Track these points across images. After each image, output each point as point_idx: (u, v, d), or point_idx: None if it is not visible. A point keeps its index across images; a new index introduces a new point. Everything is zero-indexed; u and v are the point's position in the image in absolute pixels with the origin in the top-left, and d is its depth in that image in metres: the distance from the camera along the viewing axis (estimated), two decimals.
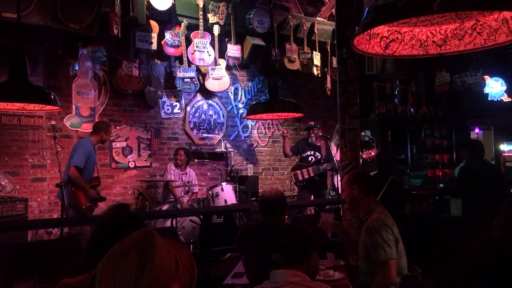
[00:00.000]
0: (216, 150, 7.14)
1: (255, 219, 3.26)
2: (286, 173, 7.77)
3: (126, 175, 6.01)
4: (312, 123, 6.77)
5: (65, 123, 5.95)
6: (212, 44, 6.43)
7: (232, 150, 7.29)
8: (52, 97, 3.33)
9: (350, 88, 4.16)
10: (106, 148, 6.27)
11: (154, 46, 6.12)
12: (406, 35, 1.96)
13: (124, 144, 6.41)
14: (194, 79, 6.40)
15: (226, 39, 6.71)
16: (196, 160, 6.95)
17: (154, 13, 5.92)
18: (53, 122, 5.19)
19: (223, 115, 7.31)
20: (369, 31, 1.85)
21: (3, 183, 5.27)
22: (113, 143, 6.33)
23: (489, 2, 1.56)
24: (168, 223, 5.27)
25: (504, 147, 10.80)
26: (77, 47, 5.88)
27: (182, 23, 6.25)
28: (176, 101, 6.86)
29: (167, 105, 6.79)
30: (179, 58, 6.41)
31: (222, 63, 6.66)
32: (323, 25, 7.68)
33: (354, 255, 3.59)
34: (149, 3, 5.73)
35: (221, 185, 6.01)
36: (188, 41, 6.33)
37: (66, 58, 5.92)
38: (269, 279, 1.85)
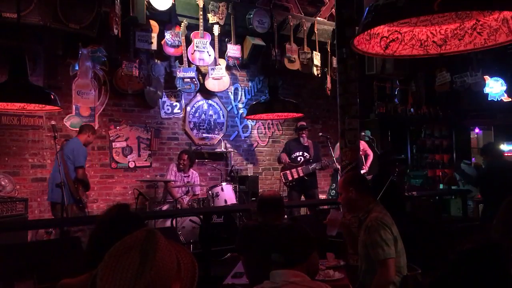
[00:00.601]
0: (216, 150, 7.14)
1: (255, 219, 3.26)
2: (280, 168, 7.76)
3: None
4: (304, 123, 6.77)
5: (65, 123, 5.95)
6: (212, 44, 6.43)
7: (232, 150, 7.29)
8: (52, 97, 3.33)
9: (350, 88, 4.16)
10: (106, 148, 6.28)
11: (154, 46, 6.12)
12: (406, 35, 1.96)
13: (124, 144, 6.41)
14: (194, 79, 6.40)
15: (226, 39, 6.71)
16: (196, 160, 6.95)
17: (154, 13, 5.92)
18: (53, 122, 5.19)
19: (223, 115, 7.31)
20: (369, 31, 1.85)
21: (3, 183, 5.27)
22: (113, 143, 6.33)
23: (489, 2, 1.56)
24: (168, 223, 5.27)
25: (504, 147, 10.80)
26: (77, 47, 5.87)
27: (182, 23, 6.25)
28: (176, 101, 6.86)
29: (167, 105, 6.79)
30: (179, 58, 6.41)
31: (222, 63, 6.66)
32: (323, 25, 7.68)
33: (354, 255, 3.59)
34: (149, 3, 5.73)
35: (221, 185, 6.01)
36: (188, 41, 6.33)
37: (66, 58, 5.92)
38: (269, 279, 1.85)
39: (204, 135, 7.10)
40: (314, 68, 7.44)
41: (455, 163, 9.34)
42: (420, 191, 6.43)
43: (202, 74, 6.74)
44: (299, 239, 1.92)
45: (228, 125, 7.37)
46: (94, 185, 5.99)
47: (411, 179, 7.67)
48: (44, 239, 5.03)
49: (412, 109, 9.09)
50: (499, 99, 8.78)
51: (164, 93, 6.65)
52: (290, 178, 6.42)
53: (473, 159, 10.08)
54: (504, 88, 8.70)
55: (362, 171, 5.90)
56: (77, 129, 6.02)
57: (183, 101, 6.93)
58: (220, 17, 6.43)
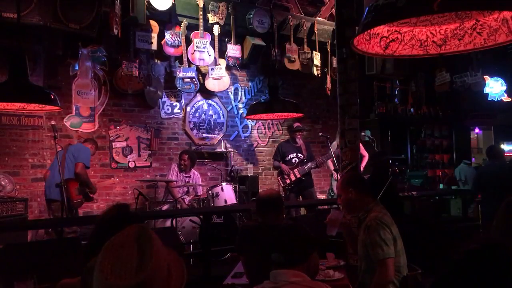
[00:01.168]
0: (216, 150, 7.14)
1: (255, 219, 3.25)
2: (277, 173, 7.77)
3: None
4: (299, 124, 6.78)
5: (65, 123, 5.95)
6: (212, 44, 6.43)
7: (232, 150, 7.29)
8: (52, 97, 3.33)
9: (350, 88, 4.15)
10: (106, 148, 6.28)
11: (154, 46, 6.12)
12: (406, 35, 1.96)
13: (124, 144, 6.41)
14: (194, 79, 6.40)
15: (226, 39, 6.71)
16: (196, 160, 6.95)
17: (154, 13, 5.92)
18: (53, 122, 5.18)
19: (223, 115, 7.31)
20: (369, 31, 1.85)
21: (3, 183, 5.27)
22: (113, 143, 6.33)
23: (489, 2, 1.56)
24: (168, 223, 5.27)
25: (504, 147, 10.81)
26: (77, 47, 5.88)
27: (182, 23, 6.25)
28: (176, 101, 6.86)
29: (167, 105, 6.79)
30: (179, 58, 6.41)
31: (222, 63, 6.66)
32: (323, 25, 7.68)
33: (354, 255, 3.59)
34: (149, 3, 5.73)
35: (221, 185, 6.01)
36: (188, 41, 6.33)
37: (66, 58, 5.92)
38: (269, 279, 1.85)
39: (204, 135, 7.10)
40: (314, 68, 7.44)
41: (455, 163, 9.34)
42: (420, 191, 6.42)
43: (202, 74, 6.74)
44: (299, 239, 1.92)
45: (228, 125, 7.37)
46: (94, 185, 5.98)
47: (411, 179, 7.67)
48: (44, 239, 5.03)
49: (412, 109, 9.09)
50: (499, 99, 8.79)
51: (164, 93, 6.65)
52: (288, 182, 6.45)
53: (473, 159, 10.09)
54: (504, 88, 8.70)
55: None
56: (77, 129, 6.04)
57: (183, 101, 6.93)
58: (220, 17, 6.44)
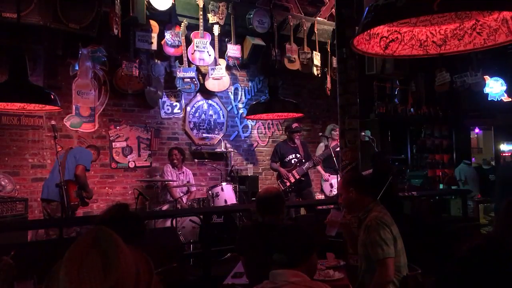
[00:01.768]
0: (216, 150, 7.14)
1: (255, 218, 3.25)
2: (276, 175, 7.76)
3: None
4: (298, 125, 6.78)
5: (65, 123, 5.95)
6: (212, 44, 6.43)
7: (232, 150, 7.29)
8: (52, 97, 3.33)
9: (350, 88, 4.16)
10: (106, 148, 6.27)
11: (154, 46, 6.12)
12: (406, 35, 1.96)
13: (124, 144, 6.41)
14: (194, 79, 6.40)
15: (226, 39, 6.71)
16: (196, 160, 6.95)
17: (154, 13, 5.92)
18: (53, 122, 5.18)
19: (223, 115, 7.31)
20: (369, 31, 1.85)
21: (3, 183, 5.27)
22: (113, 143, 6.33)
23: (489, 2, 1.56)
24: (168, 223, 5.27)
25: (504, 147, 10.81)
26: (77, 47, 5.87)
27: (182, 23, 6.25)
28: (176, 101, 6.86)
29: (167, 105, 6.79)
30: (179, 58, 6.41)
31: (222, 63, 6.66)
32: (323, 25, 7.68)
33: (354, 255, 3.59)
34: (149, 3, 5.73)
35: (221, 185, 6.01)
36: (188, 41, 6.33)
37: (66, 58, 5.92)
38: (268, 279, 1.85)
39: (204, 135, 7.10)
40: (314, 68, 7.44)
41: (455, 163, 9.35)
42: (420, 191, 6.42)
43: (202, 74, 6.74)
44: (301, 239, 1.92)
45: (228, 125, 7.37)
46: (94, 185, 5.99)
47: (411, 179, 7.67)
48: (44, 239, 5.03)
49: (412, 109, 9.08)
50: (499, 99, 8.79)
51: (164, 93, 6.65)
52: (288, 184, 6.45)
53: (473, 159, 10.09)
54: (504, 88, 8.70)
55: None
56: (77, 129, 6.05)
57: (183, 101, 6.93)
58: (220, 17, 6.44)
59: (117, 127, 6.37)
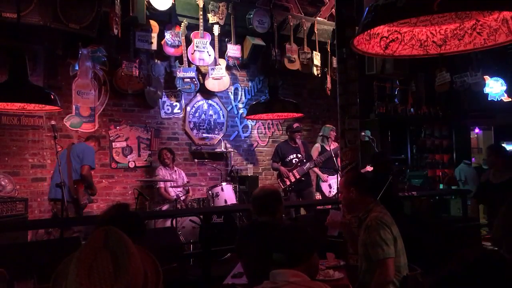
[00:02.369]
0: (216, 150, 7.14)
1: (255, 218, 3.23)
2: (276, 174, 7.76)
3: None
4: (299, 125, 6.77)
5: (65, 123, 5.95)
6: (212, 44, 6.43)
7: (232, 150, 7.28)
8: (52, 97, 3.33)
9: (350, 88, 4.15)
10: (106, 148, 6.27)
11: (154, 46, 6.12)
12: (406, 35, 1.96)
13: (124, 144, 6.41)
14: (194, 79, 6.40)
15: (226, 39, 6.71)
16: (196, 160, 6.95)
17: (154, 13, 5.92)
18: (53, 122, 5.18)
19: (223, 115, 7.31)
20: (369, 31, 1.85)
21: (3, 183, 5.27)
22: (113, 143, 6.33)
23: (489, 2, 1.56)
24: (168, 223, 5.27)
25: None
26: (77, 47, 5.87)
27: (182, 23, 6.25)
28: (176, 101, 6.86)
29: (167, 105, 6.79)
30: (179, 58, 6.41)
31: (222, 63, 6.66)
32: (323, 25, 7.67)
33: (354, 255, 3.59)
34: (149, 3, 5.73)
35: (221, 185, 6.01)
36: (188, 41, 6.33)
37: (66, 58, 5.92)
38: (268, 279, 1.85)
39: (204, 135, 7.10)
40: (314, 68, 7.44)
41: (455, 163, 9.34)
42: (420, 191, 6.42)
43: (202, 74, 6.74)
44: (301, 239, 1.92)
45: (228, 125, 7.37)
46: (94, 185, 5.98)
47: (411, 179, 7.67)
48: (44, 239, 5.03)
49: (412, 109, 9.08)
50: (499, 99, 8.78)
51: (164, 93, 6.65)
52: (288, 183, 6.46)
53: (473, 159, 10.09)
54: (504, 88, 8.70)
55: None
56: (77, 129, 6.05)
57: (183, 101, 6.93)
58: (220, 17, 6.43)
59: (117, 127, 6.37)
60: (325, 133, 6.73)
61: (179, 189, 6.12)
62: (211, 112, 7.19)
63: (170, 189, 6.10)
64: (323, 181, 6.73)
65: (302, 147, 6.60)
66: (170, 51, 6.30)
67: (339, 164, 4.77)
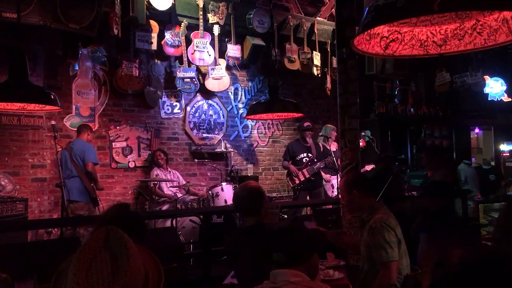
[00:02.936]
0: (216, 150, 7.14)
1: (241, 224, 3.18)
2: (286, 173, 7.76)
3: None
4: (309, 124, 6.76)
5: (65, 123, 5.95)
6: (212, 44, 6.43)
7: (232, 150, 7.28)
8: (52, 97, 3.33)
9: (350, 88, 4.15)
10: (106, 148, 6.28)
11: (154, 46, 6.12)
12: (406, 35, 1.96)
13: (124, 144, 6.41)
14: (194, 79, 6.40)
15: (226, 39, 6.71)
16: (196, 160, 6.95)
17: (154, 13, 5.92)
18: (53, 122, 5.20)
19: (223, 115, 7.31)
20: (369, 31, 1.85)
21: (3, 183, 5.27)
22: (113, 143, 6.33)
23: (489, 2, 1.56)
24: (168, 223, 5.27)
25: (504, 147, 10.81)
26: (77, 47, 5.88)
27: (182, 23, 6.25)
28: (176, 101, 6.86)
29: (167, 105, 6.79)
30: (179, 58, 6.41)
31: (222, 63, 6.66)
32: (323, 25, 7.67)
33: (354, 255, 3.59)
34: (149, 3, 5.73)
35: (221, 185, 6.01)
36: (188, 41, 6.33)
37: (66, 58, 5.92)
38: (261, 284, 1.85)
39: (204, 135, 7.10)
40: (314, 68, 7.44)
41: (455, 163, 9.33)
42: (420, 191, 6.40)
43: (202, 74, 6.74)
44: (301, 238, 1.92)
45: (228, 125, 7.37)
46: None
47: (411, 179, 7.66)
48: (44, 239, 5.04)
49: (412, 109, 9.08)
50: (499, 99, 8.79)
51: (164, 93, 6.65)
52: (297, 182, 6.45)
53: (473, 159, 10.09)
54: (504, 88, 8.70)
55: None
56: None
57: (183, 101, 6.93)
58: (220, 17, 6.43)
59: (117, 127, 6.37)
60: (326, 133, 6.73)
61: (175, 189, 6.12)
62: (211, 112, 7.19)
63: (166, 190, 6.09)
64: (326, 181, 6.72)
65: (314, 146, 6.57)
66: (170, 51, 6.30)
67: (339, 164, 4.78)
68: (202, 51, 6.36)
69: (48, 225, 5.06)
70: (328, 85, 7.64)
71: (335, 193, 6.48)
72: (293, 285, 1.76)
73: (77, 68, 5.98)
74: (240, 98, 7.53)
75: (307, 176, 6.42)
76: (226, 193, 5.89)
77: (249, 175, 7.16)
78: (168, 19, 6.21)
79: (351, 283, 2.89)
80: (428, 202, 4.54)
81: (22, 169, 5.65)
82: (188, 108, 6.97)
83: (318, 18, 7.71)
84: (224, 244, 2.83)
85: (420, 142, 8.70)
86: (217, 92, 7.00)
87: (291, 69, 7.23)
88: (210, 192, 5.97)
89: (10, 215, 4.74)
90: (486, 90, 8.71)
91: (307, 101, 8.10)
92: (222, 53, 6.61)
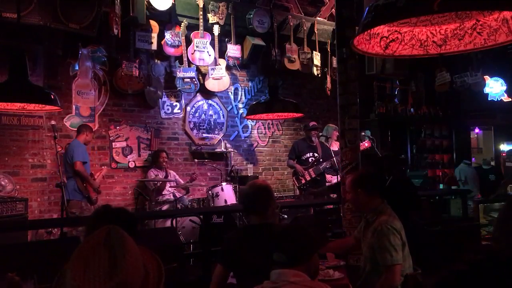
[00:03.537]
0: (216, 150, 7.13)
1: (245, 223, 3.15)
2: (286, 173, 7.77)
3: None
4: (315, 123, 6.76)
5: (65, 123, 5.95)
6: (212, 44, 6.43)
7: (232, 150, 7.28)
8: (52, 97, 3.33)
9: (350, 88, 4.15)
10: (106, 148, 6.28)
11: (154, 46, 6.12)
12: (406, 35, 1.96)
13: (124, 144, 6.41)
14: (194, 79, 6.40)
15: (226, 39, 6.71)
16: (196, 160, 6.95)
17: (154, 13, 5.92)
18: (53, 122, 5.19)
19: (223, 115, 7.31)
20: (369, 31, 1.85)
21: (3, 183, 5.27)
22: (113, 143, 6.33)
23: (489, 2, 1.56)
24: (168, 223, 5.27)
25: (504, 147, 10.81)
26: (77, 47, 5.87)
27: (182, 23, 6.25)
28: (176, 101, 6.86)
29: (167, 105, 6.79)
30: (179, 58, 6.41)
31: (222, 63, 6.66)
32: (323, 25, 7.67)
33: (354, 255, 3.59)
34: (149, 3, 5.73)
35: (221, 185, 6.01)
36: (188, 41, 6.33)
37: (66, 58, 5.92)
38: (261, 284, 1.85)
39: (204, 135, 7.10)
40: (314, 68, 7.44)
41: (455, 163, 9.35)
42: (420, 191, 6.41)
43: (202, 74, 6.74)
44: (302, 238, 1.92)
45: (228, 125, 7.37)
46: (94, 180, 5.98)
47: (411, 179, 7.66)
48: (44, 239, 5.03)
49: (412, 109, 9.08)
50: (499, 99, 8.79)
51: (164, 93, 6.65)
52: (303, 182, 6.43)
53: (473, 159, 10.09)
54: (504, 88, 8.70)
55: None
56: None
57: (183, 101, 6.93)
58: (220, 17, 6.43)
59: (117, 127, 6.37)
60: (328, 133, 6.72)
61: (173, 189, 6.12)
62: (211, 112, 7.19)
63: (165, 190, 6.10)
64: (327, 182, 6.73)
65: (319, 146, 6.55)
66: (170, 51, 6.30)
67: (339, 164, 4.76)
68: (202, 51, 6.36)
69: (48, 225, 5.05)
70: (328, 85, 7.64)
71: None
72: (294, 285, 1.76)
73: (77, 68, 5.98)
74: (240, 98, 7.53)
75: (313, 175, 6.40)
76: (226, 193, 5.89)
77: (249, 175, 7.16)
78: (168, 19, 6.21)
79: (351, 283, 2.89)
80: None
81: (22, 169, 5.64)
82: (188, 108, 6.97)
83: (318, 18, 7.71)
84: (223, 242, 2.73)
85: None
86: (217, 92, 7.00)
87: (291, 69, 7.23)
88: (210, 192, 5.97)
89: (10, 215, 4.73)
90: (486, 90, 8.71)
91: (307, 101, 8.10)
92: (222, 53, 6.61)
